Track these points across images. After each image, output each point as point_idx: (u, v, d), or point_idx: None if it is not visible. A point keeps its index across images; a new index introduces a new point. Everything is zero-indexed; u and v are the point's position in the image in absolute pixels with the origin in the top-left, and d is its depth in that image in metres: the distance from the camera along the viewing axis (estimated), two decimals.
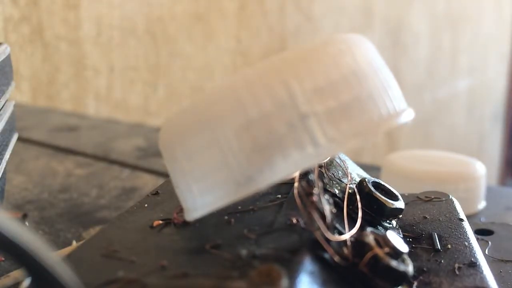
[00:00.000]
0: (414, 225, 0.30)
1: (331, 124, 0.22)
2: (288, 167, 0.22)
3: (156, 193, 0.31)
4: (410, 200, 0.33)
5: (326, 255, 0.23)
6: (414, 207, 0.32)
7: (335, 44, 0.23)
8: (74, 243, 0.42)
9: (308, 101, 0.22)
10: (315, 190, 0.23)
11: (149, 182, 0.59)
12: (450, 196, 0.34)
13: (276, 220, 0.25)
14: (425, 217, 0.31)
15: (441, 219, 0.31)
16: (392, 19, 2.00)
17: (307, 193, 0.23)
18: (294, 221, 0.25)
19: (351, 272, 0.23)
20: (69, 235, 0.45)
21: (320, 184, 0.24)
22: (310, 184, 0.24)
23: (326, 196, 0.24)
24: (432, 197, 0.34)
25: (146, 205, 0.30)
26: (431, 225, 0.30)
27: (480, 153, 2.61)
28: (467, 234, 0.29)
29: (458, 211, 0.32)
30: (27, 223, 0.47)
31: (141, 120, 1.22)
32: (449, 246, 0.28)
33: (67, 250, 0.37)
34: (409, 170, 0.49)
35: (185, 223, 0.26)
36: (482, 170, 0.50)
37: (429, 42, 2.23)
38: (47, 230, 0.46)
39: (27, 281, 0.32)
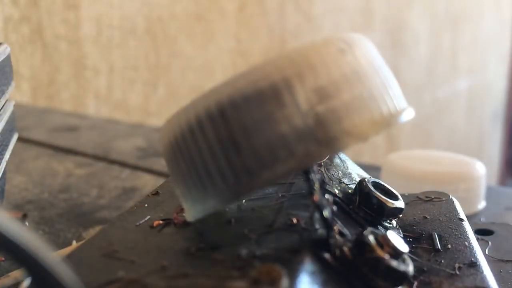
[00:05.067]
0: (414, 225, 0.30)
1: (332, 123, 0.22)
2: (289, 166, 0.22)
3: (156, 193, 0.31)
4: (410, 200, 0.33)
5: (327, 255, 0.23)
6: (414, 207, 0.32)
7: (336, 43, 0.23)
8: (74, 243, 0.42)
9: (309, 100, 0.22)
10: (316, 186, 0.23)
11: (149, 182, 0.59)
12: (450, 196, 0.33)
13: (276, 220, 0.25)
14: (425, 217, 0.31)
15: (441, 219, 0.31)
16: (392, 19, 2.00)
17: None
18: (295, 221, 0.25)
19: (352, 272, 0.23)
20: (69, 235, 0.45)
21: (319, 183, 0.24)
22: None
23: (327, 196, 0.24)
24: (432, 197, 0.33)
25: (146, 205, 0.30)
26: (431, 225, 0.30)
27: (480, 153, 2.61)
28: (467, 234, 0.29)
29: (458, 211, 0.32)
30: (27, 223, 0.47)
31: (141, 120, 1.22)
32: (449, 246, 0.28)
33: (67, 250, 0.37)
34: (409, 170, 0.49)
35: (185, 223, 0.26)
36: (482, 170, 0.49)
37: (429, 42, 2.23)
38: (47, 230, 0.46)
39: (27, 281, 0.32)
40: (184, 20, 1.29)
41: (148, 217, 0.28)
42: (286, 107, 0.22)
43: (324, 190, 0.27)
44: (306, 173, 0.27)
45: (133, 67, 1.21)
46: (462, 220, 0.31)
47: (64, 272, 0.17)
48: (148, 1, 1.21)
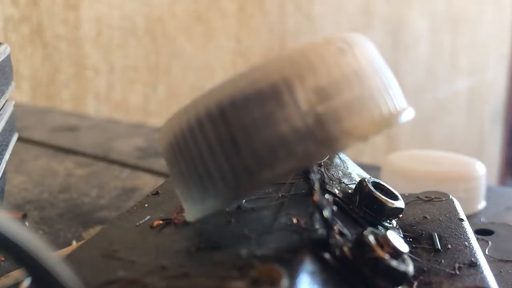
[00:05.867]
0: (414, 225, 0.30)
1: (332, 123, 0.22)
2: (289, 166, 0.22)
3: (156, 193, 0.31)
4: (410, 200, 0.33)
5: (327, 255, 0.23)
6: (414, 207, 0.32)
7: (336, 43, 0.23)
8: (74, 243, 0.42)
9: (309, 100, 0.22)
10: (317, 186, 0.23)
11: (149, 182, 0.59)
12: (450, 196, 0.33)
13: (276, 220, 0.25)
14: (425, 217, 0.31)
15: (441, 219, 0.31)
16: (392, 19, 2.00)
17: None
18: (295, 221, 0.25)
19: (352, 272, 0.23)
20: (69, 235, 0.45)
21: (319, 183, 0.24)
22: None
23: (327, 196, 0.24)
24: (432, 197, 0.33)
25: (146, 205, 0.30)
26: (431, 225, 0.30)
27: (480, 153, 2.61)
28: (467, 234, 0.29)
29: (458, 211, 0.32)
30: (27, 223, 0.47)
31: (141, 120, 1.22)
32: (449, 246, 0.28)
33: (67, 250, 0.37)
34: (409, 170, 0.49)
35: (185, 223, 0.26)
36: (482, 170, 0.49)
37: (429, 42, 2.23)
38: (47, 230, 0.46)
39: (27, 281, 0.32)
40: (184, 20, 1.29)
41: (148, 217, 0.28)
42: (286, 107, 0.22)
43: (324, 190, 0.27)
44: (306, 173, 0.27)
45: (133, 67, 1.21)
46: (462, 220, 0.31)
47: (64, 272, 0.17)
48: (148, 1, 1.21)
